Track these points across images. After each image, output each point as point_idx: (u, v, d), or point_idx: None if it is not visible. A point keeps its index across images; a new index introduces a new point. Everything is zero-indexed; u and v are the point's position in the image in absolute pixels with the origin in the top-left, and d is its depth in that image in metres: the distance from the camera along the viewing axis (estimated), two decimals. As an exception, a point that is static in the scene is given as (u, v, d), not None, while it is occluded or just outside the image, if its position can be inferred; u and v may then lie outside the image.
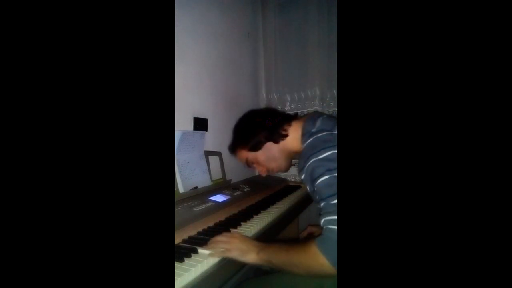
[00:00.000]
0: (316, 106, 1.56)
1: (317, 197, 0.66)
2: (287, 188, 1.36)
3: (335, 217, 0.58)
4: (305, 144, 0.72)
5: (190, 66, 1.18)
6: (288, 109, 1.65)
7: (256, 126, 0.81)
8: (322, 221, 0.61)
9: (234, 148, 0.87)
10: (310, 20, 1.55)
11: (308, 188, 0.71)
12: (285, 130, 0.79)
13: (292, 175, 1.63)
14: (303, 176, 0.69)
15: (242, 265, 0.69)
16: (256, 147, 0.81)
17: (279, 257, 0.64)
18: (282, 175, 1.62)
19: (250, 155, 0.83)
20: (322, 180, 0.63)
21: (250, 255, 0.64)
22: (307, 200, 1.30)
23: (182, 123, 1.14)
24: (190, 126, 1.18)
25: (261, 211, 0.96)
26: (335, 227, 0.58)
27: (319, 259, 0.57)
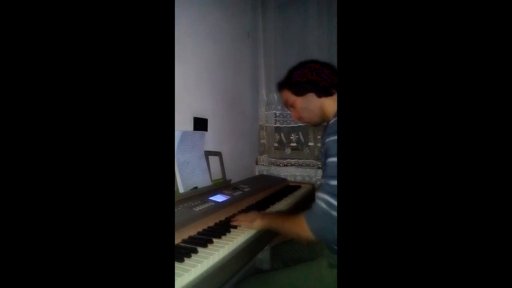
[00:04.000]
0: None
1: (324, 173, 0.73)
2: (287, 188, 1.36)
3: (326, 196, 0.68)
4: (335, 119, 0.75)
5: (190, 66, 1.18)
6: (288, 109, 1.65)
7: (310, 73, 0.83)
8: (316, 194, 0.71)
9: (282, 85, 0.90)
10: (310, 20, 1.55)
11: (322, 160, 0.78)
12: (331, 92, 0.82)
13: (292, 175, 1.63)
14: (322, 150, 0.77)
15: (242, 265, 0.69)
16: (299, 92, 0.84)
17: (276, 223, 0.79)
18: (282, 175, 1.62)
19: (292, 97, 0.86)
20: (331, 161, 0.69)
21: (256, 221, 0.80)
22: (307, 200, 1.30)
23: (182, 123, 1.14)
24: (190, 126, 1.18)
25: (261, 211, 0.96)
26: (323, 204, 0.68)
27: (304, 227, 0.70)
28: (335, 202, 0.65)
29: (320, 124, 0.90)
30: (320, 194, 0.70)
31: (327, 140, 0.72)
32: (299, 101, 0.85)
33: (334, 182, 0.67)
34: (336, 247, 0.77)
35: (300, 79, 0.84)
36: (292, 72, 0.88)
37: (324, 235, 0.70)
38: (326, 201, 0.67)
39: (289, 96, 0.87)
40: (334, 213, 0.65)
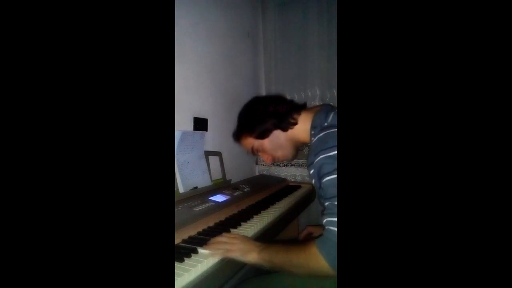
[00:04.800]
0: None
1: (322, 195, 0.66)
2: (287, 188, 1.36)
3: (335, 219, 0.59)
4: (316, 138, 0.69)
5: (190, 66, 1.18)
6: (288, 109, 1.65)
7: (264, 113, 0.78)
8: (324, 221, 0.61)
9: (239, 135, 0.84)
10: (310, 20, 1.55)
11: (313, 182, 0.70)
12: (294, 119, 0.77)
13: (292, 175, 1.63)
14: (311, 171, 0.67)
15: (242, 265, 0.69)
16: (263, 135, 0.78)
17: (279, 257, 0.64)
18: (282, 175, 1.62)
19: (256, 142, 0.80)
20: (329, 179, 0.61)
21: (251, 255, 0.65)
22: (307, 200, 1.30)
23: (182, 123, 1.14)
24: (190, 126, 1.18)
25: (261, 211, 0.96)
26: (336, 229, 0.58)
27: (319, 260, 0.58)
28: None
29: (297, 154, 0.85)
30: (328, 219, 0.60)
31: (316, 160, 0.64)
32: (266, 143, 0.79)
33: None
34: None
35: (258, 121, 0.77)
36: (244, 117, 0.82)
37: None
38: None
39: (253, 142, 0.81)
40: None
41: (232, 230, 0.78)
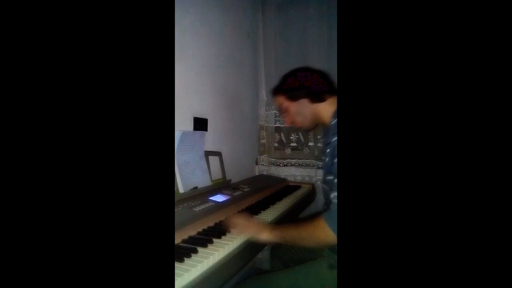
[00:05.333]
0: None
1: (333, 172, 0.73)
2: (287, 188, 1.35)
3: None
4: (335, 120, 0.77)
5: (190, 66, 1.18)
6: (288, 109, 1.65)
7: (302, 79, 0.86)
8: (332, 195, 0.70)
9: (276, 91, 0.92)
10: (310, 20, 1.55)
11: (326, 160, 0.78)
12: (324, 97, 0.84)
13: (292, 175, 1.63)
14: (327, 150, 0.76)
15: (242, 265, 0.69)
16: (292, 98, 0.86)
17: (290, 233, 0.73)
18: (282, 175, 1.62)
19: (286, 102, 0.89)
20: None
21: (264, 234, 0.73)
22: (307, 200, 1.30)
23: (182, 123, 1.14)
24: (190, 126, 1.18)
25: (261, 211, 0.96)
26: None
27: (326, 231, 0.66)
28: None
29: (313, 128, 0.93)
30: (335, 194, 0.69)
31: (333, 139, 0.73)
32: (292, 106, 0.87)
33: None
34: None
35: (293, 85, 0.86)
36: (285, 78, 0.90)
37: None
38: None
39: (283, 101, 0.89)
40: None
41: (232, 230, 0.78)
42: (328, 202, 0.76)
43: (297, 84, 0.85)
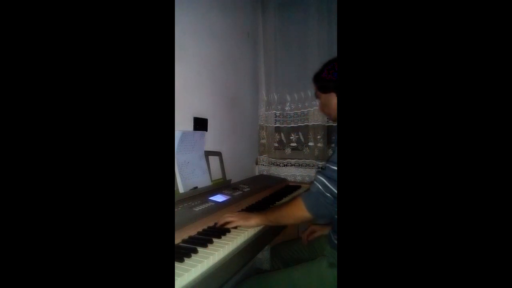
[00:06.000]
0: (316, 106, 1.55)
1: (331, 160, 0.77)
2: (287, 188, 1.36)
3: (323, 178, 0.73)
4: None
5: (190, 66, 1.18)
6: (288, 109, 1.65)
7: (333, 74, 0.87)
8: (314, 176, 0.77)
9: (314, 79, 0.94)
10: (310, 20, 1.54)
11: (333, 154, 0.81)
12: None
13: (292, 175, 1.63)
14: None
15: (242, 265, 0.69)
16: (322, 89, 0.90)
17: (274, 214, 0.81)
18: (282, 175, 1.62)
19: (318, 92, 0.93)
20: None
21: (252, 220, 0.81)
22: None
23: (182, 123, 1.14)
24: (190, 126, 1.18)
25: (261, 211, 0.96)
26: (319, 185, 0.74)
27: (302, 208, 0.75)
28: (330, 185, 0.71)
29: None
30: (318, 176, 0.75)
31: None
32: (322, 97, 0.90)
33: (335, 167, 0.71)
34: (335, 233, 0.82)
35: (325, 76, 0.87)
36: (323, 67, 0.91)
37: (318, 212, 0.75)
38: (322, 183, 0.73)
39: (316, 90, 0.93)
40: (328, 195, 0.71)
41: (232, 230, 0.78)
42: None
43: (329, 76, 0.85)
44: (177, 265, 0.57)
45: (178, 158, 1.03)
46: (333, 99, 0.86)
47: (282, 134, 1.68)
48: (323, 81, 0.87)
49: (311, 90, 1.59)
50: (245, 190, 1.15)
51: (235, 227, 0.79)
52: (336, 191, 0.70)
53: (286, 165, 1.65)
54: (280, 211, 0.81)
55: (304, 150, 1.63)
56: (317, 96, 0.94)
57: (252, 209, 0.98)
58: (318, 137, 1.56)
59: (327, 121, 1.55)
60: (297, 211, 0.76)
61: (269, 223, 0.82)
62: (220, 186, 1.17)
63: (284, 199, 1.14)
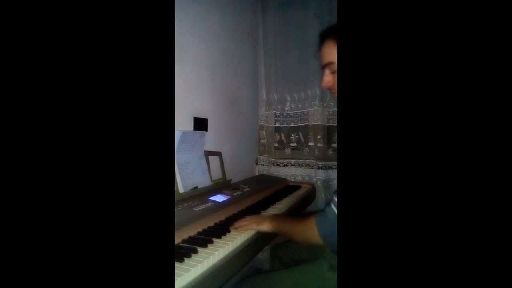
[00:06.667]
0: (316, 106, 1.56)
1: None
2: (287, 188, 1.36)
3: None
4: None
5: (190, 66, 1.18)
6: (288, 109, 1.65)
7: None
8: (333, 199, 0.69)
9: (326, 35, 0.84)
10: (310, 20, 1.55)
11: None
12: None
13: (292, 175, 1.63)
14: None
15: (242, 265, 0.69)
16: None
17: (285, 226, 0.79)
18: (282, 175, 1.62)
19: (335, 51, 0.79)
20: None
21: (265, 224, 0.80)
22: (307, 201, 1.30)
23: (182, 123, 1.14)
24: (190, 126, 1.18)
25: (261, 211, 0.96)
26: (335, 209, 0.66)
27: (314, 230, 0.70)
28: None
29: None
30: (335, 199, 0.67)
31: None
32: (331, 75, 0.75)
33: None
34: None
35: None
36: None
37: (331, 241, 0.68)
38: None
39: (332, 49, 0.73)
40: None
41: (232, 230, 0.78)
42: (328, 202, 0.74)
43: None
44: (177, 265, 0.57)
45: (178, 158, 1.03)
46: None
47: (282, 134, 1.68)
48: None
49: (311, 90, 1.59)
50: (245, 190, 1.15)
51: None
52: None
53: (286, 165, 1.65)
54: (292, 226, 0.78)
55: (304, 150, 1.63)
56: (329, 61, 0.77)
57: (252, 209, 0.98)
58: (318, 137, 1.56)
59: (327, 121, 1.55)
60: (310, 235, 0.71)
61: (279, 232, 0.81)
62: (220, 186, 1.17)
63: (284, 199, 1.14)
